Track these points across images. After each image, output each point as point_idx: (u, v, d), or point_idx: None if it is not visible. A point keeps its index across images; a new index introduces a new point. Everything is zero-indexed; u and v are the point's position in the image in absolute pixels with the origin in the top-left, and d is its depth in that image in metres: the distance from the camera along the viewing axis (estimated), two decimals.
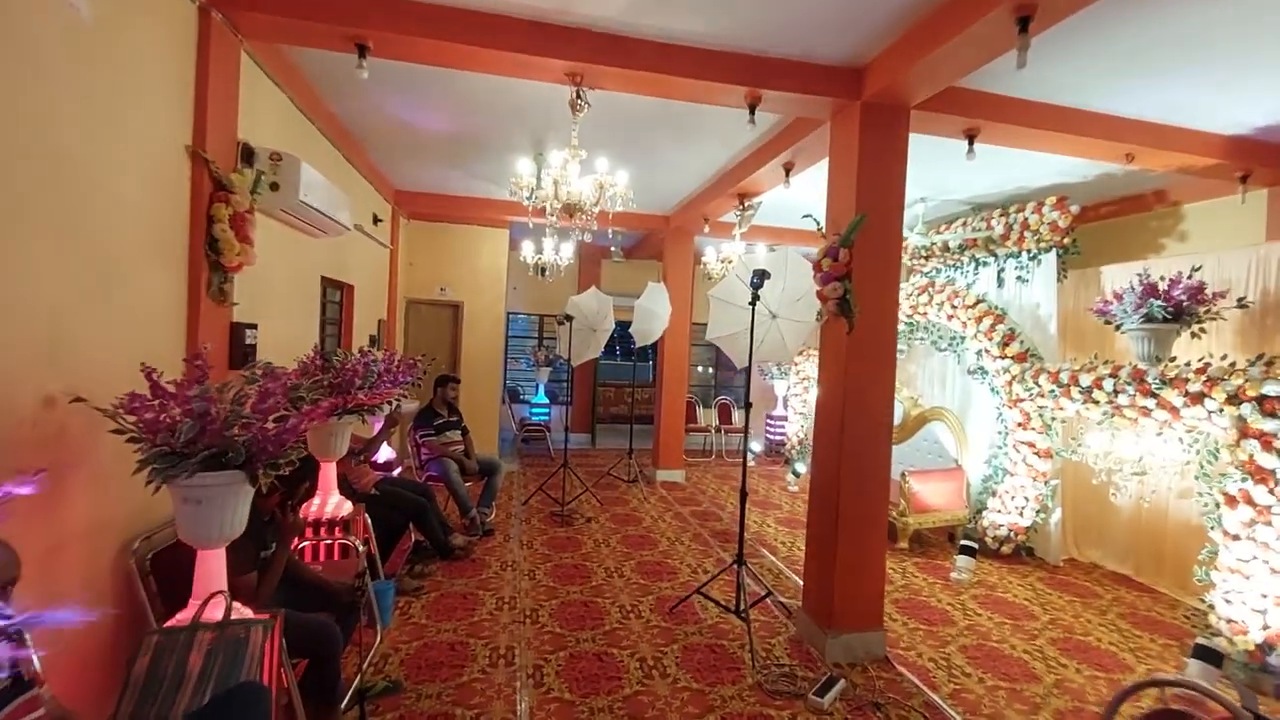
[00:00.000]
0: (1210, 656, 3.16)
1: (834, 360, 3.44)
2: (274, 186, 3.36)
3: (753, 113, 3.37)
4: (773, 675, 3.13)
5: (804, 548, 4.16)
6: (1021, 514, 4.91)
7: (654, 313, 6.66)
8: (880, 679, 3.16)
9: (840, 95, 3.33)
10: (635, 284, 8.18)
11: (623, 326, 6.95)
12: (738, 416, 9.74)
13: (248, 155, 3.18)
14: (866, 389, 3.33)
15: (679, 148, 4.88)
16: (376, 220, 6.00)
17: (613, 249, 8.09)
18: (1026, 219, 5.20)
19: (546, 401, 9.41)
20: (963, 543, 4.72)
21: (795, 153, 4.32)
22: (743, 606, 3.57)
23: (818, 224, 3.64)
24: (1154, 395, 3.77)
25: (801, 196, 5.66)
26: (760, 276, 3.55)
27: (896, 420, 6.33)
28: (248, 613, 1.96)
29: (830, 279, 3.33)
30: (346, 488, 3.95)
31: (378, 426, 4.52)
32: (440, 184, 6.42)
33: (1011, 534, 4.97)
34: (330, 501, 3.33)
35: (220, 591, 1.90)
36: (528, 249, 6.89)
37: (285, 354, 3.43)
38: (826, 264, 3.37)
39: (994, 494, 5.17)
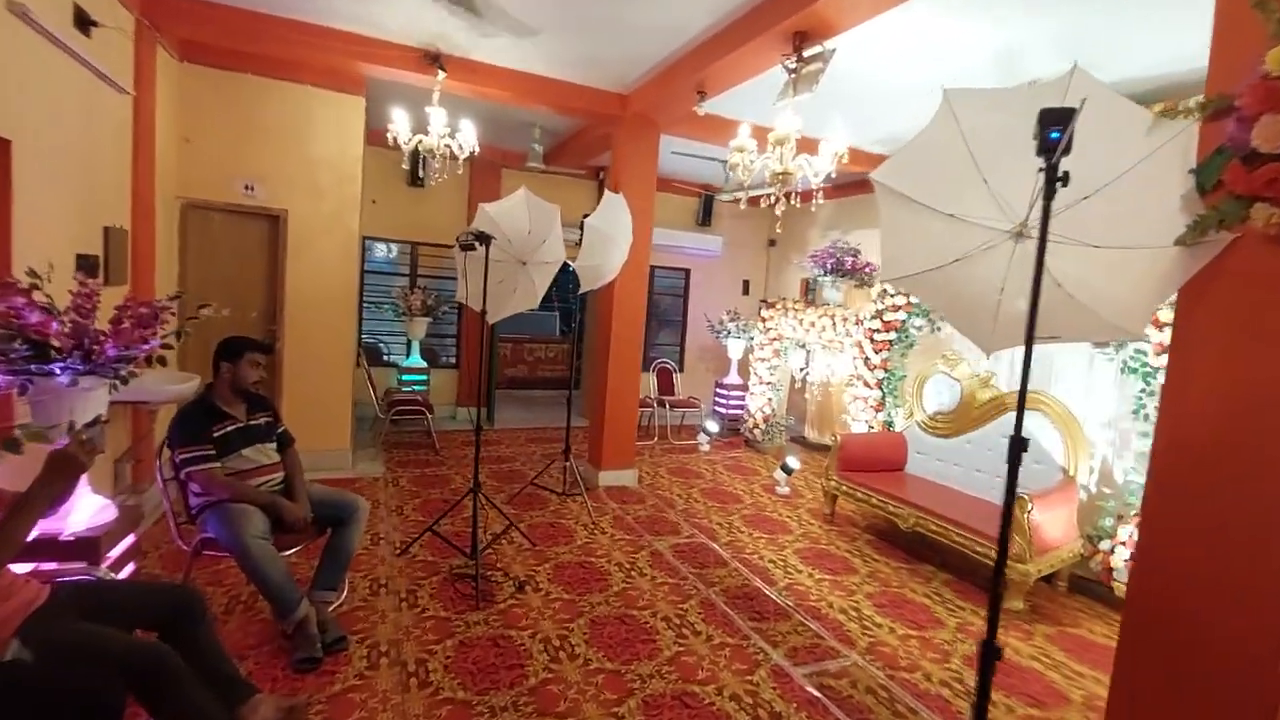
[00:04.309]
0: None
1: (1250, 341, 1.41)
2: None
3: None
4: None
5: (858, 606, 2.22)
6: None
7: (611, 240, 4.30)
8: None
9: None
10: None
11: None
12: (679, 383, 7.71)
13: None
14: None
15: None
16: (85, 23, 3.01)
17: (534, 144, 5.45)
18: None
19: (424, 365, 6.72)
20: None
21: None
22: None
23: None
24: None
25: (901, 50, 3.47)
26: (1061, 124, 1.42)
27: (950, 405, 4.61)
28: None
29: None
30: None
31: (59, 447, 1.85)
32: None
33: None
34: None
35: None
36: (400, 123, 4.12)
37: None
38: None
39: (1120, 519, 3.61)
